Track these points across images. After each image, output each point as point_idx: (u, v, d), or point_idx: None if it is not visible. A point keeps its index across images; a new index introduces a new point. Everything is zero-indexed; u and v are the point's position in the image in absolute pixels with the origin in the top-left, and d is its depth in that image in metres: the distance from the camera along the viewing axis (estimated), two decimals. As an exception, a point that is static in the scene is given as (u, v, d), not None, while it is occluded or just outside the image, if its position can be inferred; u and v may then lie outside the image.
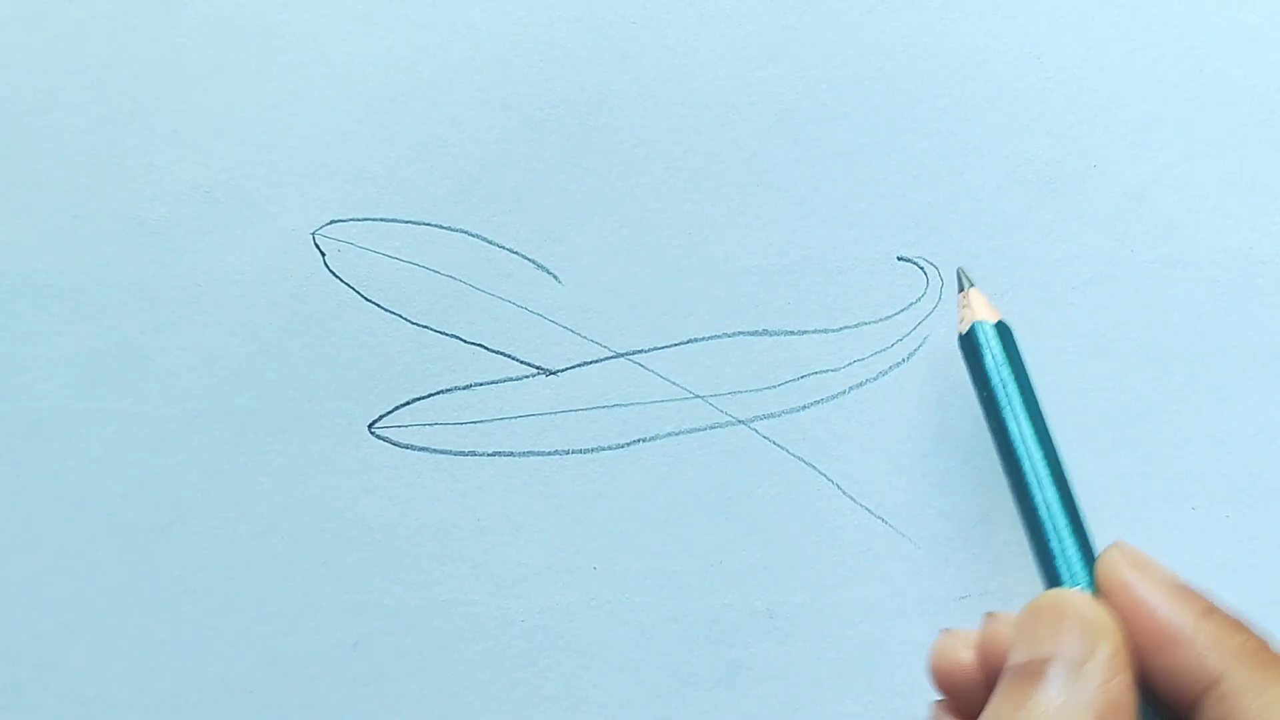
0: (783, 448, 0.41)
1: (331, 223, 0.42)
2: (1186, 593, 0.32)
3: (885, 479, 0.41)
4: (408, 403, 0.41)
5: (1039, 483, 0.35)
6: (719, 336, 0.41)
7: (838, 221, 0.41)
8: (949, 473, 0.41)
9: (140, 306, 0.42)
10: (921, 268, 0.41)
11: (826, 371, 0.41)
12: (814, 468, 0.41)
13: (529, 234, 0.42)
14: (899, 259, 0.41)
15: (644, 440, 0.41)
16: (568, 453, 0.41)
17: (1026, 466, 0.35)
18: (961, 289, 0.38)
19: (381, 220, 0.42)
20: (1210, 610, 0.32)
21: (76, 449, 0.42)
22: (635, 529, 0.41)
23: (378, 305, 0.42)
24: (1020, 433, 0.35)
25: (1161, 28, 0.41)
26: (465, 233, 0.42)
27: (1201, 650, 0.31)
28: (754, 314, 0.41)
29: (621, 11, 0.42)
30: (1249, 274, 0.41)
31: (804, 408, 0.41)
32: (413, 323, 0.42)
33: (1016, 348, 0.36)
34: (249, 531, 0.41)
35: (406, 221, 0.42)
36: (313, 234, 0.42)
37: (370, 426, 0.41)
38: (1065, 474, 0.35)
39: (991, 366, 0.36)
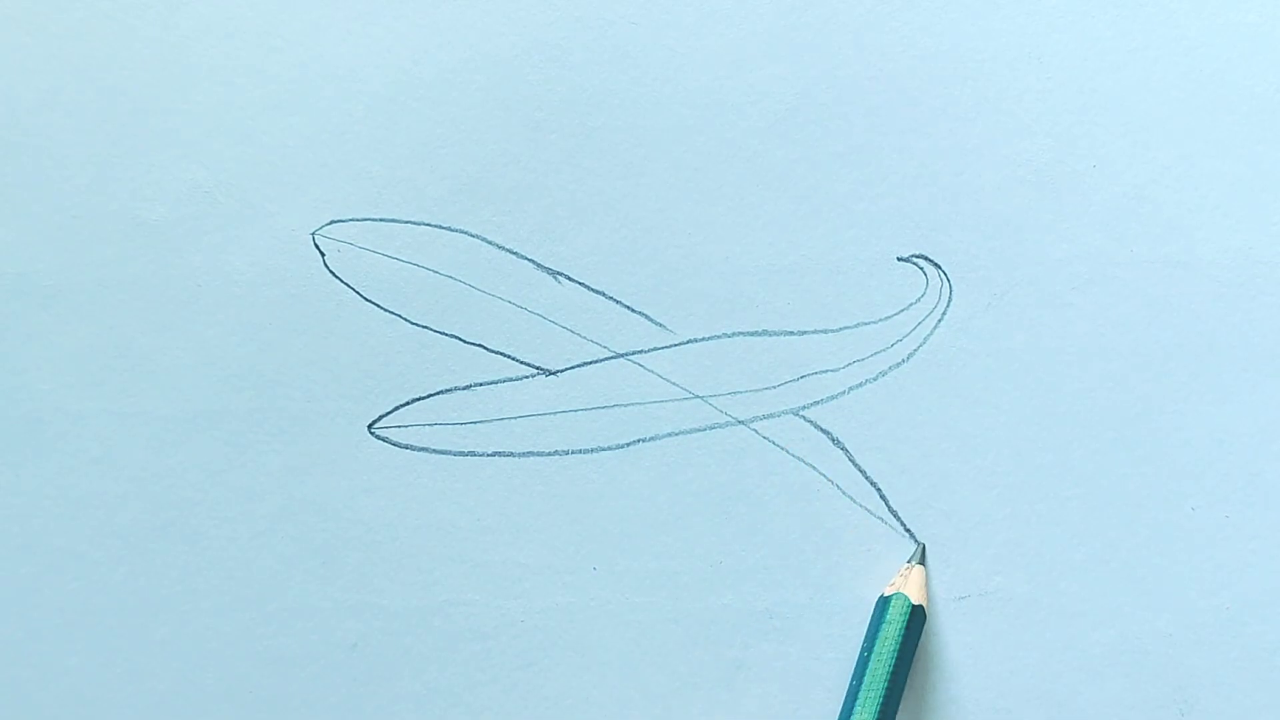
0: (782, 448, 0.41)
1: (331, 223, 0.42)
2: None
3: (885, 479, 0.41)
4: (408, 403, 0.41)
5: None
6: (719, 336, 0.41)
7: (838, 221, 0.41)
8: (949, 473, 0.41)
9: (140, 306, 0.42)
10: (921, 268, 0.41)
11: (826, 371, 0.41)
12: (814, 468, 0.41)
13: (529, 234, 0.42)
14: (899, 259, 0.41)
15: (644, 440, 0.41)
16: (568, 453, 0.41)
17: None
18: (911, 561, 0.40)
19: (381, 220, 0.42)
20: None
21: (76, 449, 0.42)
22: (635, 529, 0.41)
23: (378, 305, 0.42)
24: (866, 699, 0.38)
25: (1161, 28, 0.41)
26: (465, 233, 0.42)
27: None
28: (753, 314, 0.41)
29: (621, 11, 0.42)
30: (1249, 274, 0.41)
31: (804, 408, 0.41)
32: (413, 323, 0.42)
33: (920, 633, 0.39)
34: (249, 531, 0.41)
35: (406, 221, 0.42)
36: (313, 234, 0.42)
37: (370, 426, 0.41)
38: None
39: (885, 634, 0.39)
